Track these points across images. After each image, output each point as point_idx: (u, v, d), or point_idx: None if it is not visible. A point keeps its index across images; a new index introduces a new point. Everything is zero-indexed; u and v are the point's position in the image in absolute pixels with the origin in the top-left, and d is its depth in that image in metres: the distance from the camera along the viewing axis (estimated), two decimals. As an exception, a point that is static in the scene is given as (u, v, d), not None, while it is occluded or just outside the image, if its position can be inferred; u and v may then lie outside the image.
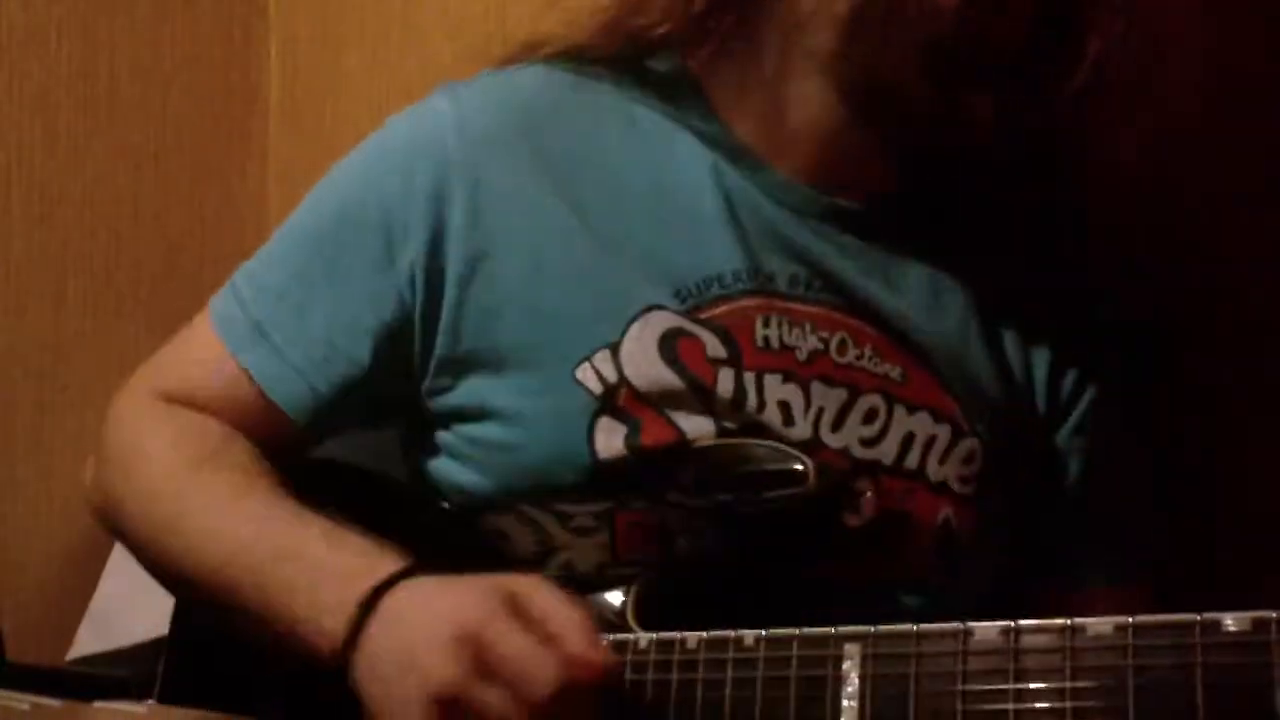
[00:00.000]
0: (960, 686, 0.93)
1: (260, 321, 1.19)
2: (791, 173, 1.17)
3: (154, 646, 1.33)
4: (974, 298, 1.19)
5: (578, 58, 1.21)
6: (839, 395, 1.14)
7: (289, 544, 1.07)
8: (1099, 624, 0.92)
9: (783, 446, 1.10)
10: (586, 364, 1.13)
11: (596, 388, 1.12)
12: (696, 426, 1.12)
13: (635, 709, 1.02)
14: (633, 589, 1.09)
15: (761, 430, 1.12)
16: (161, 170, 1.91)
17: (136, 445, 1.19)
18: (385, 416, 1.23)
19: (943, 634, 0.95)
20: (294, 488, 1.13)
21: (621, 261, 1.15)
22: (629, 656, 1.03)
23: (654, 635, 1.03)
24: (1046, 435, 1.21)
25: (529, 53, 1.23)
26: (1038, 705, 0.92)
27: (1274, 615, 0.88)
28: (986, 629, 0.94)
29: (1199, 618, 0.90)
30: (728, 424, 1.12)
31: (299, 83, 1.99)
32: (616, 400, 1.12)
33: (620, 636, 1.04)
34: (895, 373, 1.16)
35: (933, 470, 1.15)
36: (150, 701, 1.17)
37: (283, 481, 1.14)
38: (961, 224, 1.20)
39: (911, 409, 1.15)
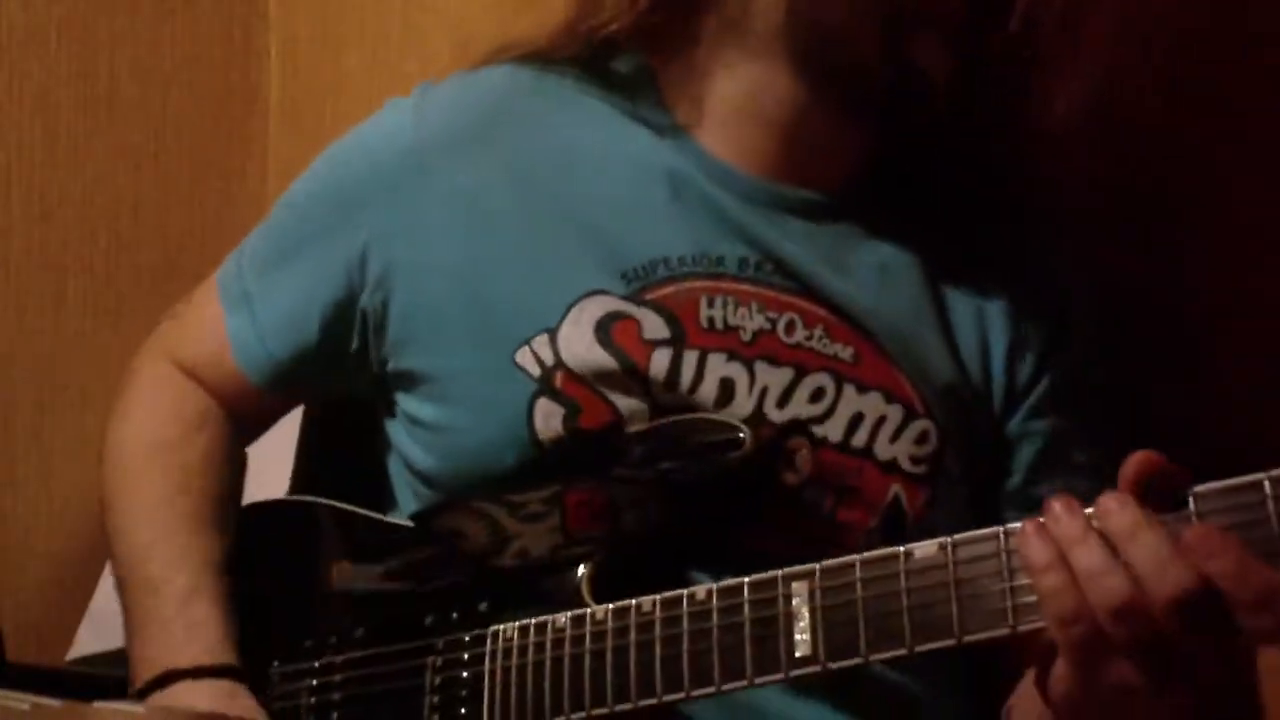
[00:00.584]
0: (905, 604, 0.96)
1: (248, 288, 1.28)
2: (743, 161, 1.20)
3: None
4: (927, 283, 1.21)
5: (544, 58, 1.26)
6: (784, 374, 1.16)
7: (159, 582, 1.20)
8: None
9: (719, 417, 1.14)
10: (525, 348, 1.17)
11: (535, 370, 1.16)
12: (631, 407, 1.15)
13: (597, 679, 1.05)
14: (587, 567, 1.12)
15: (694, 411, 1.15)
16: (161, 170, 1.91)
17: (126, 409, 1.30)
18: (353, 387, 1.29)
19: (884, 558, 0.98)
20: (234, 503, 1.27)
21: (568, 248, 1.18)
22: (588, 629, 1.06)
23: (609, 605, 1.06)
24: (1002, 421, 1.22)
25: (500, 54, 1.28)
26: (980, 610, 0.94)
27: (1192, 490, 0.89)
28: (924, 547, 0.96)
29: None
30: (661, 404, 1.15)
31: (299, 83, 1.99)
32: (554, 383, 1.16)
33: (577, 612, 1.07)
34: (846, 353, 1.18)
35: (881, 449, 1.16)
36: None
37: (218, 491, 1.26)
38: (917, 210, 1.22)
39: (862, 389, 1.17)
